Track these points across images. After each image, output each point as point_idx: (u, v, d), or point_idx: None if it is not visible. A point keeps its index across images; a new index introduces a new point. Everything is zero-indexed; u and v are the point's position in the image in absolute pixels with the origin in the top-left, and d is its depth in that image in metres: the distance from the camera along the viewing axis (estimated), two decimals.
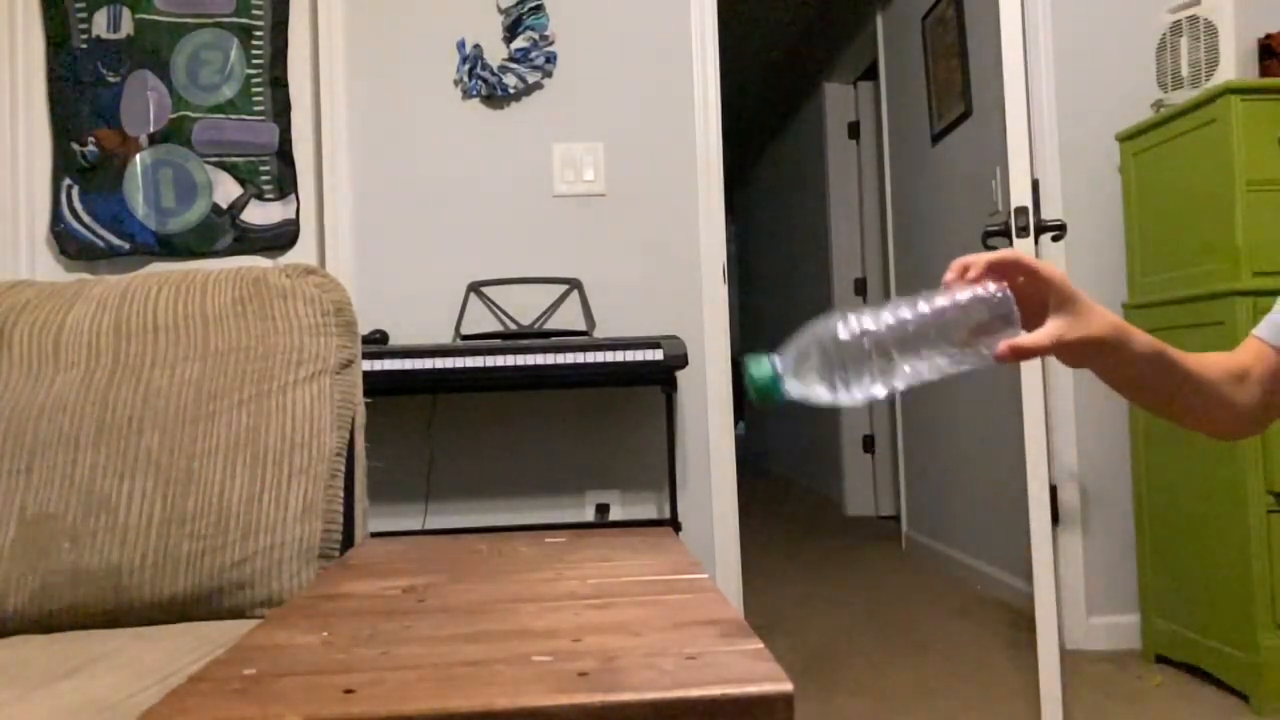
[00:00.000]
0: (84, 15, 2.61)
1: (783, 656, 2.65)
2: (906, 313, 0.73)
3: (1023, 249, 2.02)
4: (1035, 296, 0.79)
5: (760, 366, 0.72)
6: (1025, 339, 0.77)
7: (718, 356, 2.68)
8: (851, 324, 0.72)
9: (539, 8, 2.67)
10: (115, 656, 1.07)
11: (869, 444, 5.02)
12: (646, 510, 2.68)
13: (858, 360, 0.71)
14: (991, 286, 0.75)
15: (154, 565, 1.25)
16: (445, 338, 2.62)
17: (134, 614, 1.26)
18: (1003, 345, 0.75)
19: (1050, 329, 0.78)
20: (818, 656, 2.67)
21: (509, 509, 2.66)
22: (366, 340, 2.50)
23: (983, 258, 0.78)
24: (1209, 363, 0.94)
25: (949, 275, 0.79)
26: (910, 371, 0.72)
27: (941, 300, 0.74)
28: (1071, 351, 0.80)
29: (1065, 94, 2.76)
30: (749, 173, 7.83)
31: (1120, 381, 0.88)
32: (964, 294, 0.75)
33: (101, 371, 1.36)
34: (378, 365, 2.28)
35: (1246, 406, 0.95)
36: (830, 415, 5.26)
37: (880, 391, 0.71)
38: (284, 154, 2.63)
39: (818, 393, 0.71)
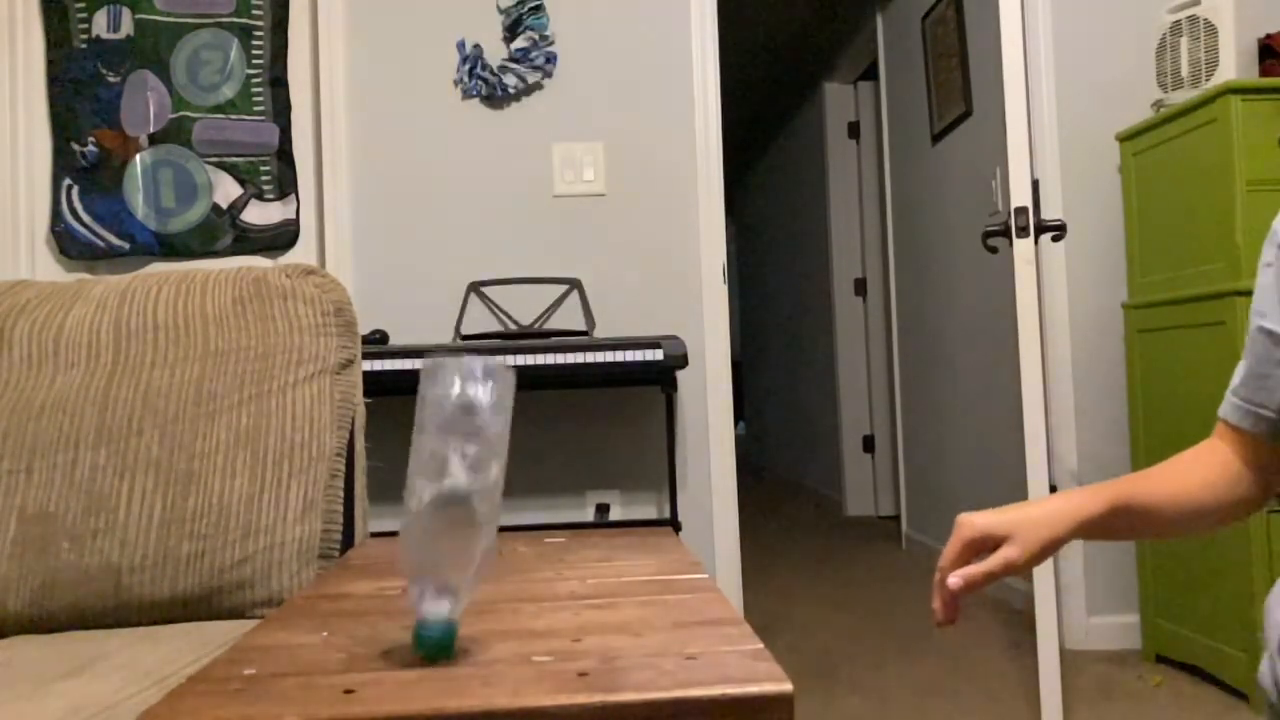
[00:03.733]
0: (84, 15, 2.61)
1: (783, 656, 2.65)
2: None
3: (1023, 249, 2.02)
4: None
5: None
6: (976, 567, 0.81)
7: (718, 356, 2.68)
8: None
9: (539, 8, 2.67)
10: (115, 656, 1.07)
11: (869, 444, 5.02)
12: (646, 510, 2.68)
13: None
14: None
15: (154, 565, 1.25)
16: (445, 338, 2.62)
17: (134, 614, 1.26)
18: (954, 577, 0.80)
19: (1000, 556, 0.81)
20: (818, 656, 2.67)
21: (509, 509, 2.66)
22: (366, 340, 2.50)
23: (953, 553, 0.82)
24: (1187, 473, 0.91)
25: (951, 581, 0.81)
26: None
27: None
28: (1036, 562, 0.82)
29: (1065, 94, 2.76)
30: (749, 173, 7.83)
31: (1112, 538, 0.89)
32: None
33: (101, 371, 1.36)
34: (378, 365, 2.28)
35: (1250, 495, 0.91)
36: (830, 414, 5.27)
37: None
38: (284, 154, 2.63)
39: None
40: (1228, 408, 0.92)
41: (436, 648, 0.65)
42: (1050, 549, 0.82)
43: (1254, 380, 0.89)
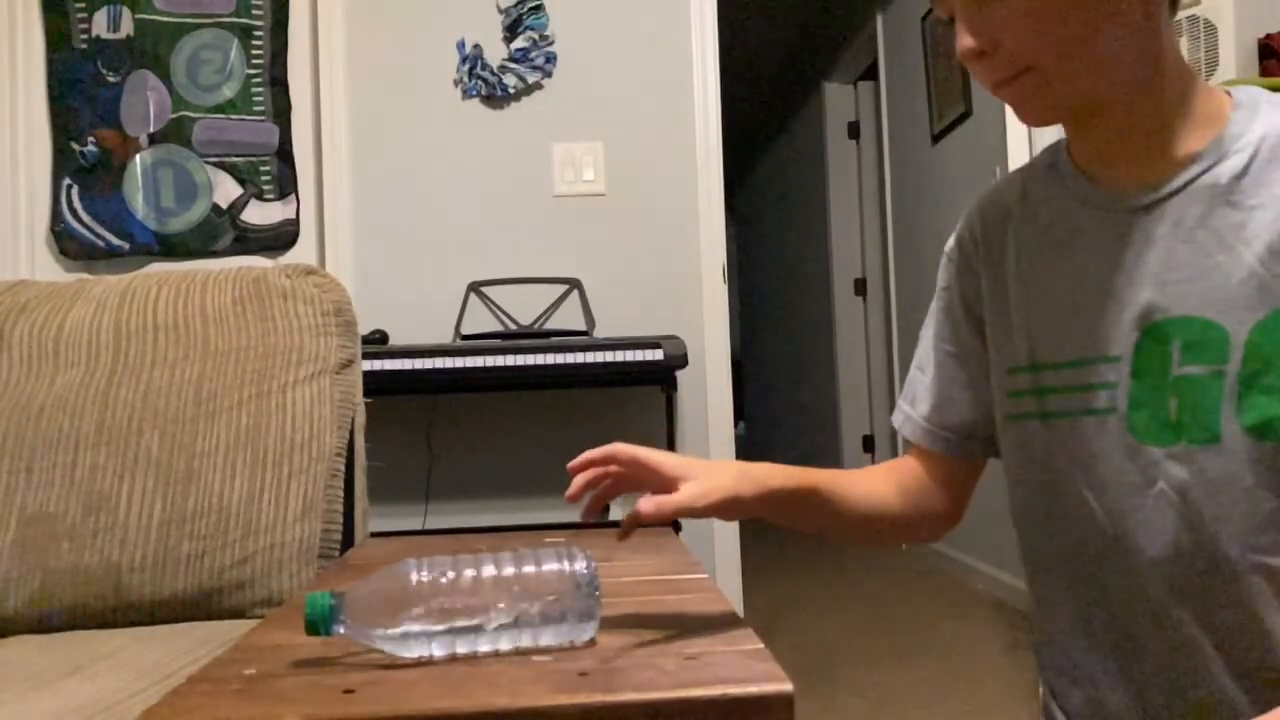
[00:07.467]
0: (84, 15, 2.60)
1: (783, 656, 2.65)
2: (479, 575, 0.67)
3: None
4: (653, 476, 0.77)
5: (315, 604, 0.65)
6: (664, 498, 0.73)
7: (718, 356, 2.68)
8: (417, 579, 0.67)
9: (539, 7, 2.67)
10: (115, 656, 1.07)
11: (869, 444, 5.02)
12: None
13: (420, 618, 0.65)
14: (579, 562, 0.68)
15: (154, 565, 1.25)
16: (445, 338, 2.62)
17: (134, 614, 1.26)
18: (647, 503, 0.71)
19: (685, 494, 0.74)
20: (818, 656, 2.67)
21: (509, 509, 2.66)
22: (366, 340, 2.50)
23: (590, 455, 0.77)
24: (876, 477, 0.91)
25: (579, 473, 0.78)
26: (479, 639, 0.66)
27: (524, 568, 0.68)
28: (712, 512, 0.75)
29: None
30: (749, 173, 7.83)
31: (787, 523, 0.83)
32: (548, 563, 0.68)
33: (101, 371, 1.36)
34: (378, 365, 2.28)
35: (941, 511, 0.92)
36: (830, 414, 5.26)
37: (439, 651, 0.65)
38: (284, 154, 2.63)
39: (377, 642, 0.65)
40: (918, 432, 0.92)
41: (312, 623, 0.65)
42: (733, 506, 0.75)
43: (943, 404, 0.91)
